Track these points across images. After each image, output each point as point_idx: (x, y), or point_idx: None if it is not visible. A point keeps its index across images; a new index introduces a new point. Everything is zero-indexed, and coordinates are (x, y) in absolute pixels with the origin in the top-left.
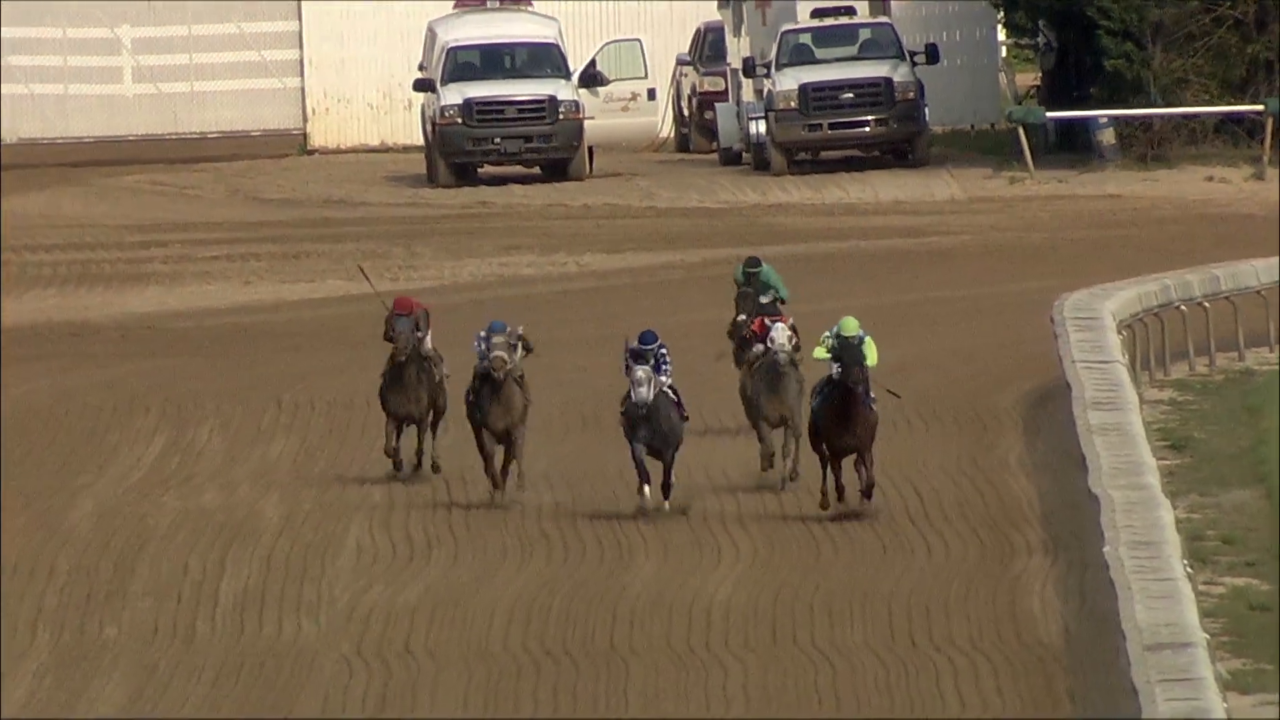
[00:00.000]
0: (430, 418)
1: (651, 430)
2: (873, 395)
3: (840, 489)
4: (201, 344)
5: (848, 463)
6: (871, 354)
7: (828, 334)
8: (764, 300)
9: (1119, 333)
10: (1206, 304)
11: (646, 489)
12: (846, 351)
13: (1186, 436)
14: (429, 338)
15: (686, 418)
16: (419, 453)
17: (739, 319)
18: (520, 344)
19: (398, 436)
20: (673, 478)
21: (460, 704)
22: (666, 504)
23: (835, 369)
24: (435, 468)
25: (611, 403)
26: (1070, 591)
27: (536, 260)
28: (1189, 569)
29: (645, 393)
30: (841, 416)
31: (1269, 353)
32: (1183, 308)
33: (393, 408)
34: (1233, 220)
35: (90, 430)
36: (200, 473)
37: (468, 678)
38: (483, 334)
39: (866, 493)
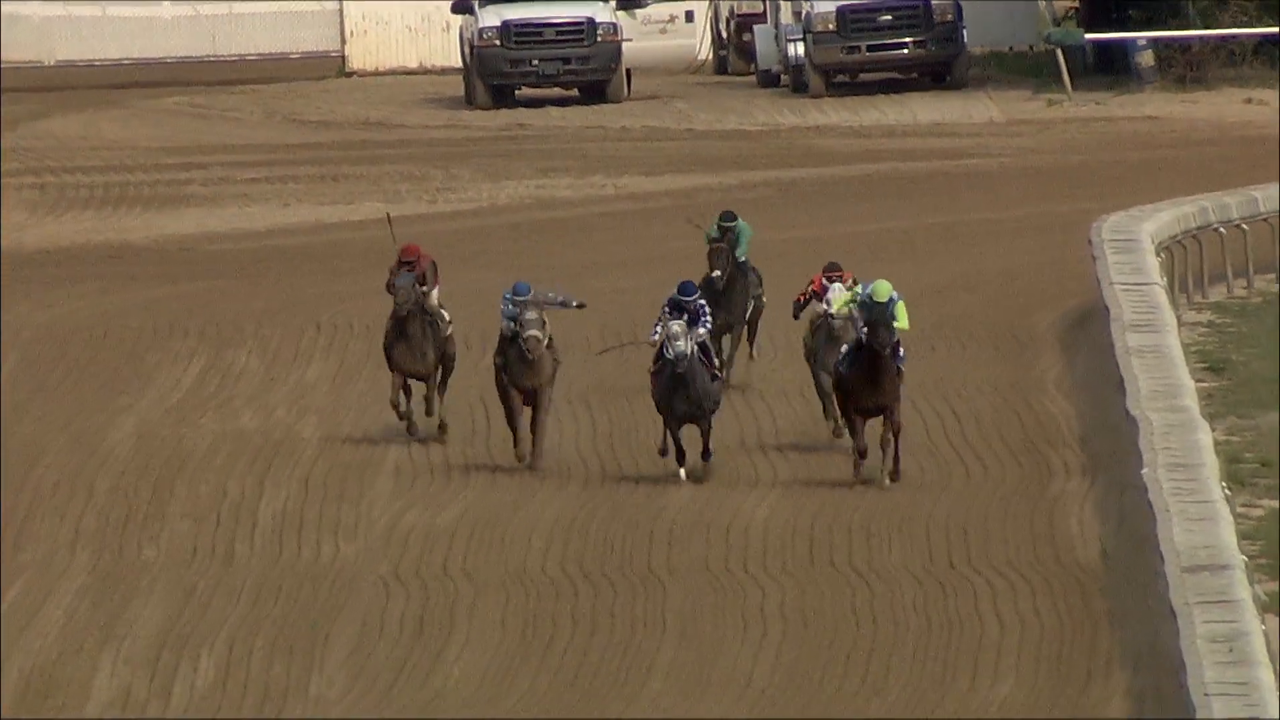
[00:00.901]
0: (439, 375)
1: (685, 396)
2: (901, 354)
3: (864, 450)
4: (240, 266)
5: (873, 438)
6: (903, 317)
7: (858, 292)
8: (741, 257)
9: (1157, 255)
10: (1245, 226)
11: (683, 471)
12: (873, 311)
13: (1225, 359)
14: (436, 292)
15: (717, 377)
16: (427, 408)
17: (713, 275)
18: (562, 305)
19: (406, 395)
20: (712, 444)
21: (498, 625)
22: (707, 466)
23: (862, 330)
24: (442, 426)
25: (647, 324)
26: (1108, 513)
27: (574, 183)
28: (1227, 491)
29: (683, 346)
30: (869, 379)
31: None
32: (1221, 230)
33: (398, 363)
34: (1271, 142)
35: (129, 352)
36: (239, 395)
37: (505, 599)
38: (509, 295)
39: (894, 472)
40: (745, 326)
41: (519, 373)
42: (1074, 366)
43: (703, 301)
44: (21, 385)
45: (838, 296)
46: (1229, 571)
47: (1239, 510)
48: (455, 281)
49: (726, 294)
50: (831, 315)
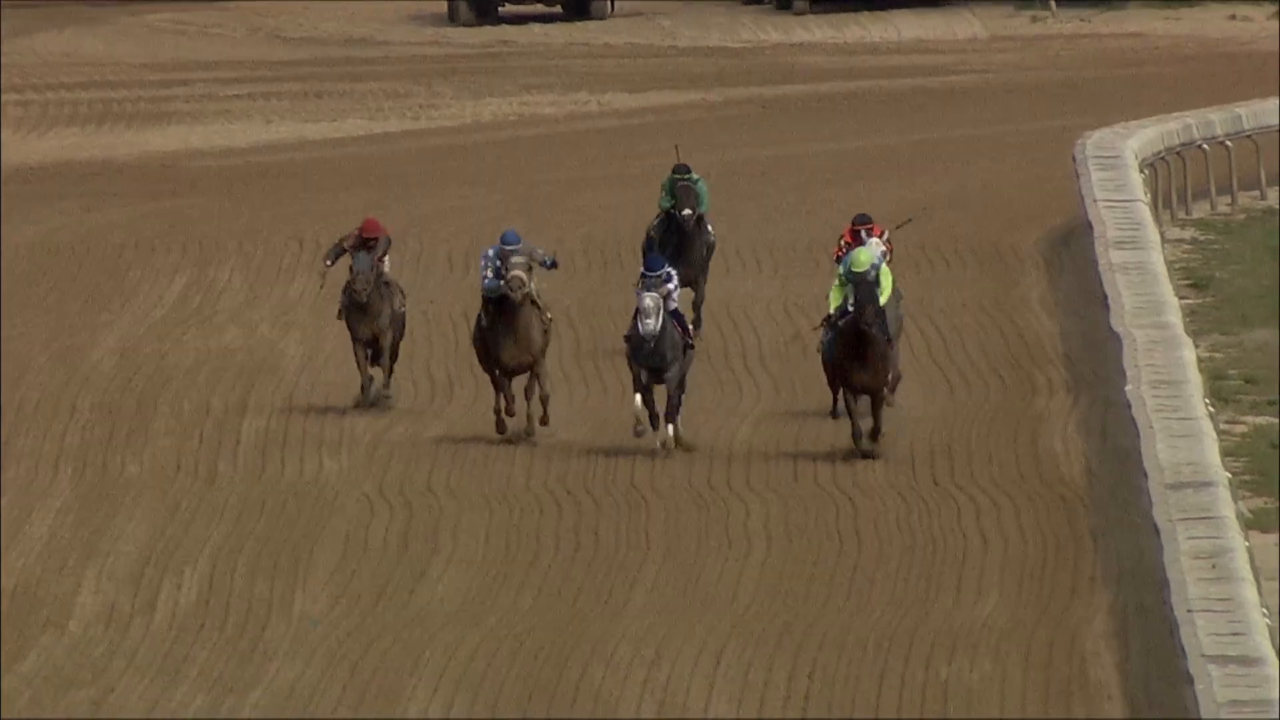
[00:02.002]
0: (389, 340)
1: (654, 351)
2: (890, 326)
3: (858, 432)
4: (223, 183)
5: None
6: (886, 284)
7: (841, 270)
8: (687, 211)
9: (1141, 171)
10: (1229, 142)
11: (639, 401)
12: (860, 289)
13: (1208, 275)
14: (387, 261)
15: (691, 345)
16: (385, 374)
17: (684, 213)
18: (540, 260)
19: (368, 358)
20: (680, 407)
21: (481, 542)
22: (670, 429)
23: (850, 303)
24: (385, 396)
25: (633, 242)
26: (1092, 430)
27: (557, 100)
28: (1211, 408)
29: (653, 325)
30: (856, 355)
31: None
32: (1205, 146)
33: (357, 331)
34: (1255, 58)
35: (112, 269)
36: (221, 311)
37: (489, 517)
38: (491, 251)
39: (873, 434)
40: (705, 275)
41: (505, 347)
42: (1058, 284)
43: (670, 270)
44: (4, 303)
45: (853, 257)
46: (1212, 488)
47: (1222, 427)
48: (439, 198)
49: (685, 244)
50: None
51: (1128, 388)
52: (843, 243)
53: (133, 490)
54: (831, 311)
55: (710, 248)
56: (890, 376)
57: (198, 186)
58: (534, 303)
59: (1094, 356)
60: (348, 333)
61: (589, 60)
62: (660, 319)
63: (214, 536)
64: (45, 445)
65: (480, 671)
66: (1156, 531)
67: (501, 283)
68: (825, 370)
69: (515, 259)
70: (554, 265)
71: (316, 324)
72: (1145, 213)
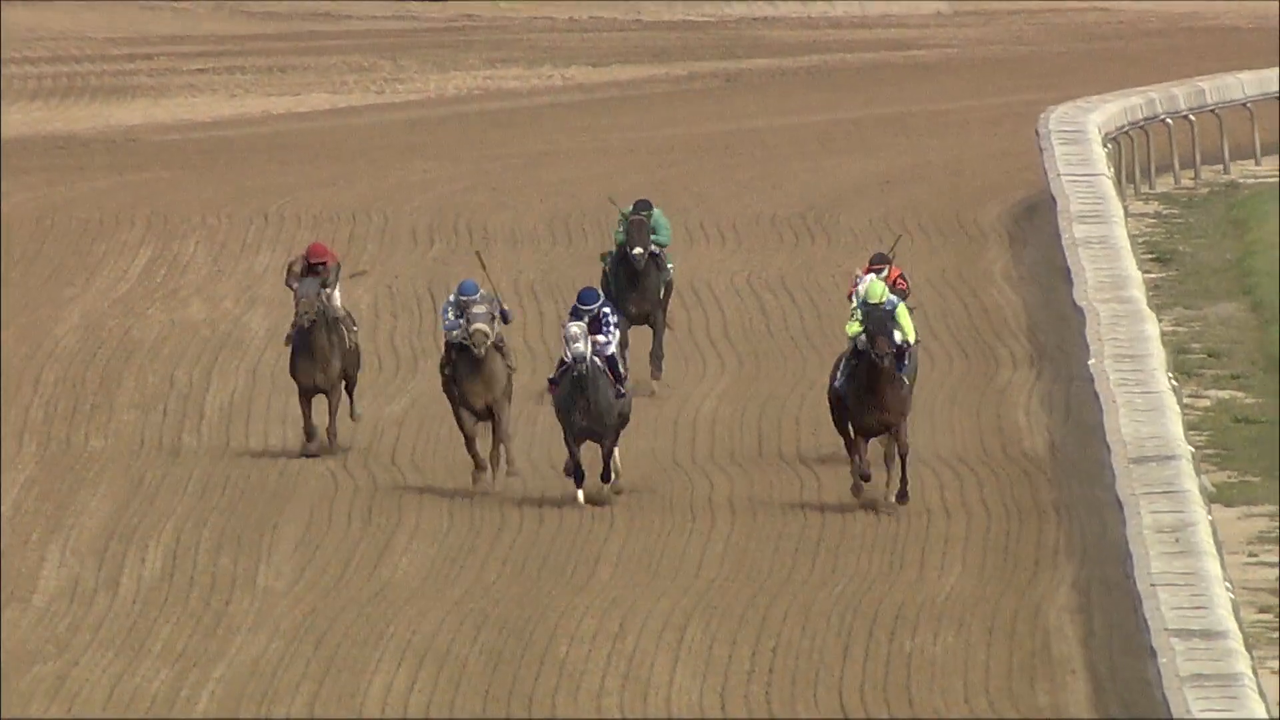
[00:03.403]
0: (342, 386)
1: (585, 409)
2: (906, 363)
3: (866, 475)
4: (187, 157)
5: (875, 457)
6: (907, 325)
7: (854, 304)
8: (654, 246)
9: (1104, 146)
10: (1192, 117)
11: (579, 491)
12: (872, 320)
13: (1172, 249)
14: (338, 293)
15: (623, 394)
16: (330, 432)
17: (634, 252)
18: (499, 315)
19: (309, 409)
20: (616, 463)
21: (446, 516)
22: (608, 489)
23: (861, 339)
24: (331, 438)
25: (597, 215)
26: (1055, 404)
27: (522, 74)
28: (1174, 382)
29: (581, 348)
30: (869, 391)
31: (1254, 165)
32: (1168, 121)
33: (300, 377)
34: (1219, 33)
35: (76, 243)
36: (186, 285)
37: (452, 490)
38: (452, 299)
39: (900, 494)
40: (663, 312)
41: (470, 389)
42: (1021, 257)
43: (607, 309)
44: None
45: (869, 288)
46: (1176, 462)
47: (1186, 401)
48: (404, 171)
49: (641, 280)
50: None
51: (1091, 362)
52: (852, 286)
53: (97, 464)
54: (851, 339)
55: (668, 286)
56: (903, 431)
57: (161, 160)
58: (498, 349)
59: (1057, 330)
60: (291, 375)
61: (553, 34)
62: (588, 345)
63: (178, 510)
64: (9, 419)
65: (445, 644)
66: (1120, 505)
67: (463, 335)
68: (832, 410)
69: (477, 309)
70: (506, 321)
71: (281, 298)
72: (1109, 187)
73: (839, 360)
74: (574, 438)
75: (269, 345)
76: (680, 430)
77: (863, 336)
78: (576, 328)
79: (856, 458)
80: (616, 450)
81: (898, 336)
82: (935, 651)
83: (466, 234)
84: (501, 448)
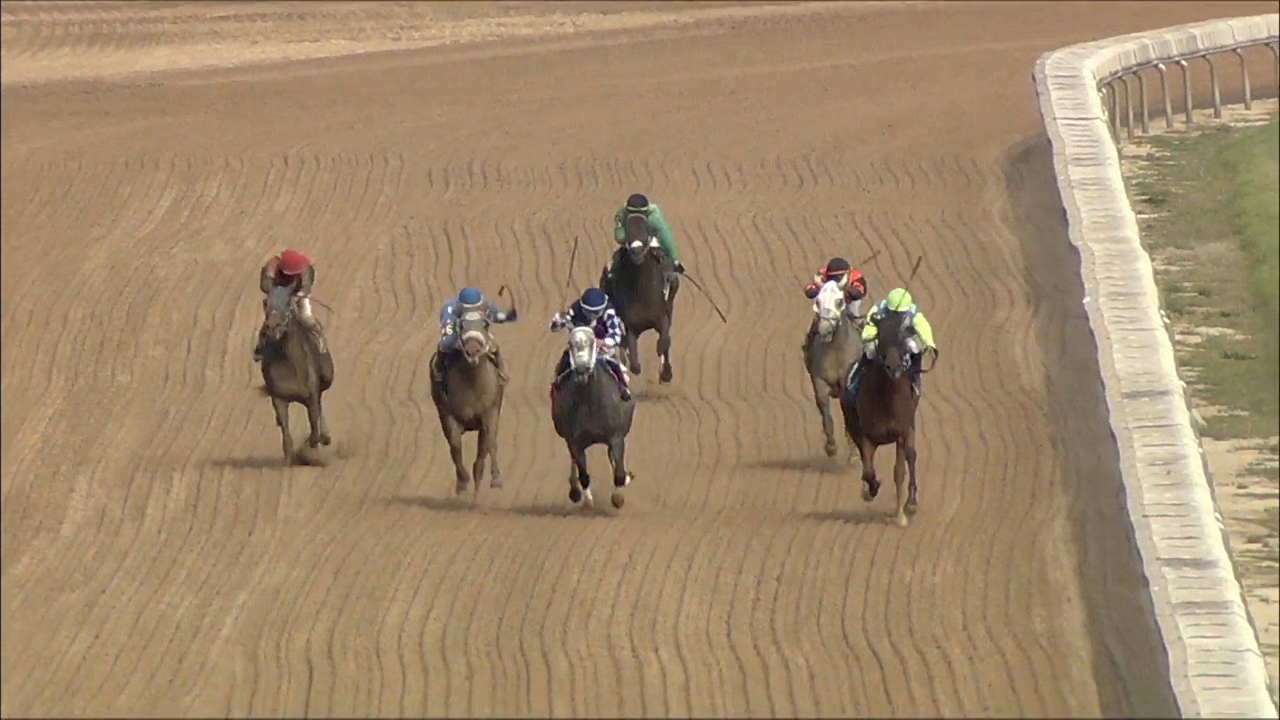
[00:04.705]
0: (317, 397)
1: (589, 413)
2: (920, 375)
3: (875, 484)
4: (210, 101)
5: (886, 459)
6: (925, 334)
7: (876, 309)
8: (654, 244)
9: (1099, 90)
10: (1184, 62)
11: (588, 492)
12: (885, 328)
13: (1164, 191)
14: (308, 302)
15: (628, 396)
16: (312, 437)
17: (633, 245)
18: (494, 317)
19: (286, 419)
20: (625, 472)
21: (466, 446)
22: (622, 490)
23: (871, 348)
24: (325, 440)
25: (606, 159)
26: (1051, 340)
27: (534, 21)
28: (1166, 319)
29: (586, 357)
30: (879, 402)
31: (1244, 110)
32: (1161, 66)
33: (278, 386)
34: None
35: (103, 185)
36: (209, 226)
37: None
38: (451, 307)
39: (909, 503)
40: (668, 317)
41: (460, 397)
42: (1018, 199)
43: (611, 311)
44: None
45: (828, 296)
46: (1168, 397)
47: (1177, 338)
48: (419, 116)
49: (642, 282)
50: (820, 326)
51: (1086, 299)
52: (817, 279)
53: (123, 399)
54: (865, 346)
55: (673, 286)
56: (910, 437)
57: (185, 105)
58: (491, 360)
59: (1053, 269)
60: (267, 386)
61: None
62: (594, 353)
63: (202, 443)
64: (38, 355)
65: (460, 573)
66: (1113, 438)
67: (458, 342)
68: (844, 414)
69: (470, 316)
70: (512, 318)
71: (301, 238)
72: (1103, 130)
73: (810, 332)
74: (579, 443)
75: None
76: (688, 366)
77: (872, 345)
78: (583, 334)
79: (866, 463)
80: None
81: (914, 345)
82: (934, 580)
83: (480, 176)
84: (487, 458)
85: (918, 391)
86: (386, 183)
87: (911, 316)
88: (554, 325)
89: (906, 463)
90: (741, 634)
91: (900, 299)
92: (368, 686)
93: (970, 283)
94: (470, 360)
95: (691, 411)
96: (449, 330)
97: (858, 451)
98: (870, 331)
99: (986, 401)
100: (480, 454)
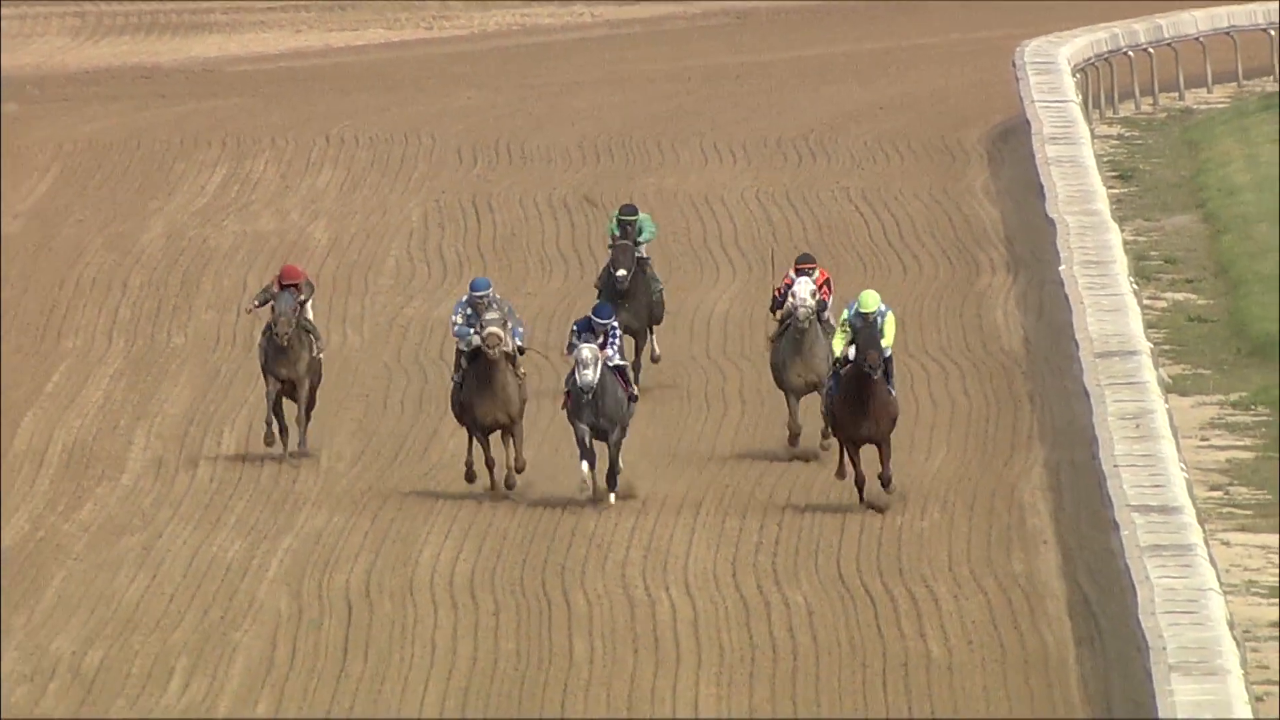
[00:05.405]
0: (306, 388)
1: (596, 411)
2: (894, 376)
3: (861, 481)
4: (257, 85)
5: (870, 458)
6: (889, 331)
7: (846, 312)
8: (641, 249)
9: (1073, 75)
10: (1151, 50)
11: (587, 468)
12: (862, 333)
13: (1133, 167)
14: (309, 306)
15: (635, 397)
16: (300, 429)
17: (618, 274)
18: (512, 329)
19: (279, 405)
20: (620, 464)
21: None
22: (613, 495)
23: (850, 350)
24: (301, 445)
25: (622, 138)
26: (1029, 305)
27: (555, 11)
28: (1135, 285)
29: (590, 376)
30: (858, 404)
31: (1206, 93)
32: (1130, 53)
33: (274, 371)
34: None
35: (159, 162)
36: (257, 200)
37: None
38: (464, 300)
39: (884, 483)
40: (649, 326)
41: (480, 405)
42: (999, 175)
43: (615, 323)
44: (63, 192)
45: (803, 287)
46: (1137, 357)
47: (1145, 302)
48: (450, 98)
49: (629, 293)
50: (797, 308)
51: (1061, 267)
52: (785, 282)
53: (178, 358)
54: (836, 357)
55: (658, 300)
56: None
57: (235, 89)
58: (509, 359)
59: (1031, 239)
60: (263, 377)
61: None
62: (599, 370)
63: (250, 399)
64: (100, 319)
65: (487, 519)
66: (1086, 395)
67: (478, 337)
68: (825, 420)
69: (491, 314)
70: (521, 349)
71: (341, 211)
72: (1077, 112)
73: (780, 330)
74: (585, 433)
75: (330, 253)
76: (696, 328)
77: (852, 349)
78: (589, 351)
79: (850, 466)
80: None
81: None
82: (922, 525)
83: (506, 153)
84: (511, 451)
85: (894, 392)
86: (419, 160)
87: (882, 316)
88: (570, 348)
89: (882, 462)
90: (745, 574)
91: (873, 302)
92: (402, 622)
93: (955, 252)
94: (490, 354)
95: (700, 369)
96: (459, 320)
97: (845, 455)
98: (840, 341)
99: (970, 361)
100: (508, 457)
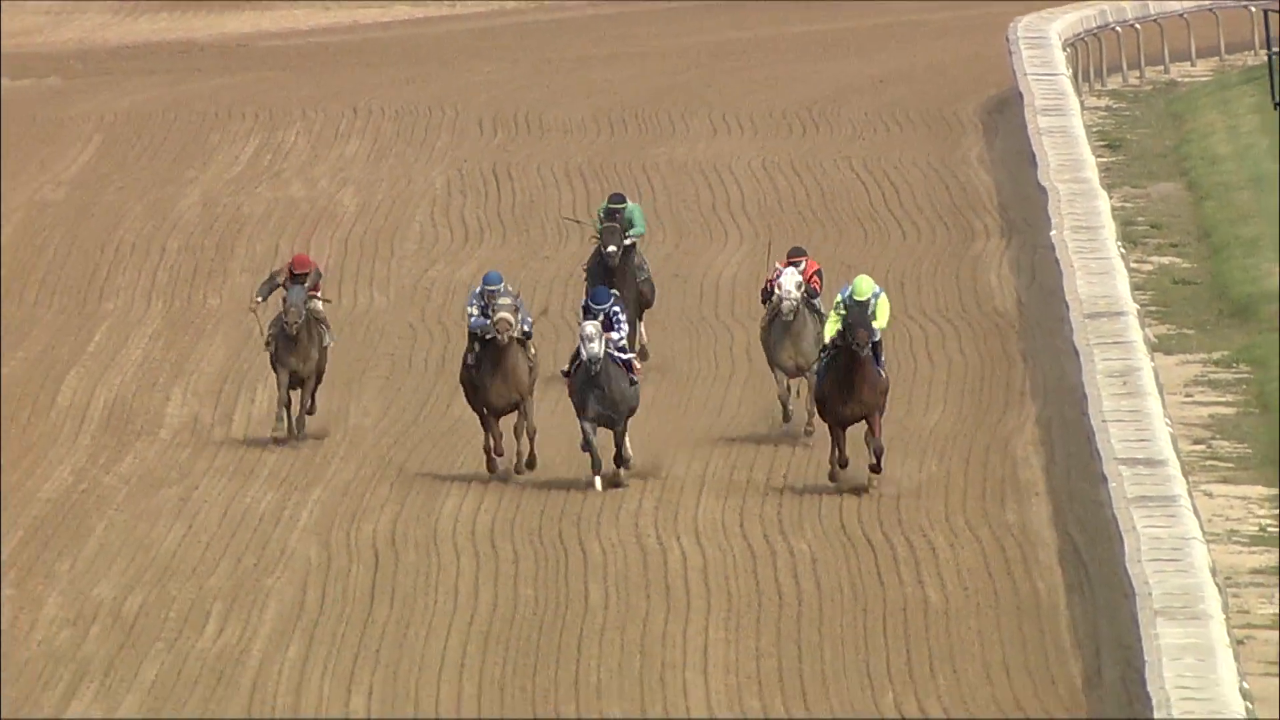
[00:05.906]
0: (313, 380)
1: (600, 398)
2: (883, 358)
3: (844, 461)
4: (288, 60)
5: (855, 438)
6: (883, 314)
7: (840, 298)
8: (628, 241)
9: (1064, 50)
10: (1138, 26)
11: (599, 480)
12: (851, 313)
13: (1121, 137)
14: (318, 297)
15: (636, 381)
16: (299, 417)
17: (608, 250)
18: (522, 311)
19: (290, 394)
20: (627, 449)
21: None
22: (623, 472)
23: (839, 331)
24: (301, 425)
25: (635, 109)
26: (1022, 269)
27: None
28: (1122, 250)
29: (596, 348)
30: (846, 382)
31: (1190, 67)
32: (1117, 29)
33: (285, 363)
34: None
35: (195, 133)
36: (288, 168)
37: None
38: (477, 290)
39: (875, 464)
40: (639, 314)
41: (491, 387)
42: (993, 145)
43: (617, 308)
44: (104, 161)
45: (789, 279)
46: (1124, 317)
47: (1132, 265)
48: (471, 72)
49: (618, 285)
50: (782, 300)
51: (1052, 233)
52: (775, 275)
53: (213, 320)
54: (825, 342)
55: (645, 281)
56: (877, 421)
57: (267, 63)
58: (520, 342)
59: (1023, 206)
60: (271, 366)
61: None
62: (602, 344)
63: None
64: (140, 281)
65: (506, 471)
66: (1076, 354)
67: (489, 323)
68: (815, 403)
69: (502, 300)
70: (528, 334)
71: (368, 179)
72: (1067, 85)
73: (769, 318)
74: (589, 421)
75: (358, 219)
76: (705, 292)
77: (839, 329)
78: (592, 327)
79: (835, 448)
80: (626, 437)
81: (876, 327)
82: (920, 478)
83: (525, 125)
84: (524, 437)
85: (884, 374)
86: (443, 130)
87: (876, 299)
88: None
89: (873, 436)
90: (752, 524)
91: (867, 289)
92: (426, 570)
93: (951, 218)
94: (500, 339)
95: (709, 330)
96: (475, 311)
97: (830, 435)
98: (834, 324)
99: (965, 321)
100: (518, 434)
